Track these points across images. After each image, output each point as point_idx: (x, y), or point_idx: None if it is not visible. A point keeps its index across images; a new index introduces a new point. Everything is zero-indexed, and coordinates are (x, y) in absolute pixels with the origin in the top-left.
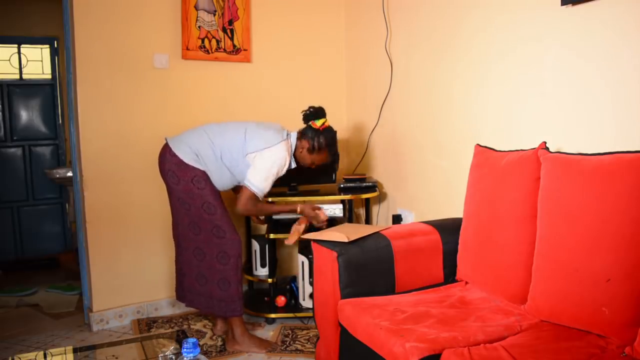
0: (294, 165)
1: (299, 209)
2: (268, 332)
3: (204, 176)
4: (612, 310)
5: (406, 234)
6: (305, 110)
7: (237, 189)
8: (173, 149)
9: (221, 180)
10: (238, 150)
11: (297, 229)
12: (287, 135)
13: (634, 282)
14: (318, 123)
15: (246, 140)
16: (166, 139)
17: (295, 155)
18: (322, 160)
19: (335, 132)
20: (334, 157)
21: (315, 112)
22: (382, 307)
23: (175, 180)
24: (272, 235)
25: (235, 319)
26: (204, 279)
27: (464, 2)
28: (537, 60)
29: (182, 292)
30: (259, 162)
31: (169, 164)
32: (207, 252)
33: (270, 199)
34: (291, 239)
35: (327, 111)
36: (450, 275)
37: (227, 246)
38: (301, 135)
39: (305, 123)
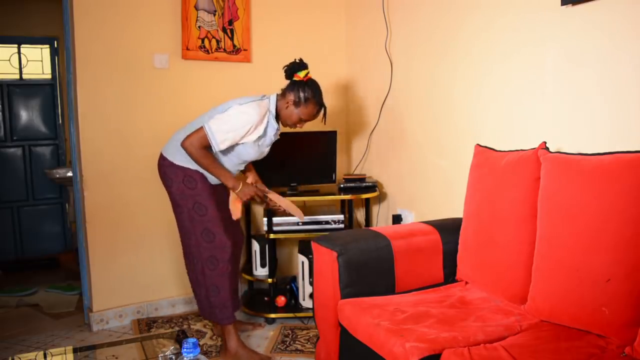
0: (276, 127)
1: (230, 182)
2: (268, 332)
3: (196, 175)
4: (612, 310)
5: (406, 234)
6: (286, 66)
7: (246, 170)
8: (164, 154)
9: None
10: (208, 119)
11: (234, 206)
12: (263, 97)
13: (634, 282)
14: (301, 74)
15: (219, 109)
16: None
17: (281, 116)
18: (309, 114)
19: (317, 83)
20: (321, 108)
21: (298, 65)
22: (382, 307)
23: (169, 183)
24: (272, 235)
25: (228, 328)
26: (198, 283)
27: (464, 2)
28: (537, 60)
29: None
30: (225, 113)
31: (163, 167)
32: (197, 257)
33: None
34: (234, 211)
35: (326, 111)
36: (450, 275)
37: (217, 250)
38: (285, 91)
39: (288, 78)
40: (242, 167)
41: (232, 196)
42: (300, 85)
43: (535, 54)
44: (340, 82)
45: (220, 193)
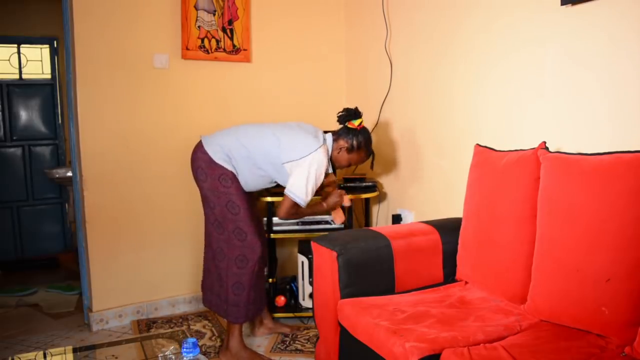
0: (330, 170)
1: (325, 206)
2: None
3: (231, 176)
4: (612, 310)
5: (406, 233)
6: (341, 112)
7: (271, 190)
8: (205, 147)
9: (252, 182)
10: (274, 157)
11: (337, 215)
12: (324, 139)
13: (634, 282)
14: (356, 123)
15: (281, 148)
16: (201, 137)
17: (331, 157)
18: (359, 159)
19: (369, 132)
20: (370, 155)
21: (353, 113)
22: (382, 307)
23: (203, 177)
24: (272, 235)
25: (235, 327)
26: (221, 280)
27: (464, 2)
28: (537, 60)
29: (204, 288)
30: (298, 170)
31: (200, 161)
32: (227, 254)
33: (269, 199)
34: (337, 219)
35: (326, 111)
36: (450, 275)
37: (247, 250)
38: (338, 136)
39: (341, 124)
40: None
41: (335, 214)
42: (354, 133)
43: (535, 53)
44: (340, 81)
45: (252, 195)
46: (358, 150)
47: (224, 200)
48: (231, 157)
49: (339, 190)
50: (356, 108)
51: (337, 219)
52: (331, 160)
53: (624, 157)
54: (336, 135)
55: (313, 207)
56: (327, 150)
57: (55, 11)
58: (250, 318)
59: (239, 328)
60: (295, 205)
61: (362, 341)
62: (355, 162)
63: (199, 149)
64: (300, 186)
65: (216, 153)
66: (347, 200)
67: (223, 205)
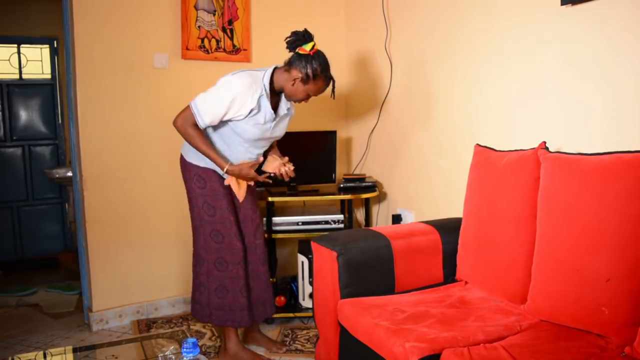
0: (287, 106)
1: (225, 169)
2: (268, 332)
3: (206, 175)
4: (612, 310)
5: (406, 233)
6: (288, 37)
7: (265, 154)
8: (181, 151)
9: (235, 153)
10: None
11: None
12: (260, 70)
13: (633, 282)
14: (307, 47)
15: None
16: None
17: (286, 92)
18: (318, 89)
19: (325, 55)
20: (330, 81)
21: (302, 36)
22: (382, 307)
23: (184, 180)
24: (272, 235)
25: (229, 330)
26: (202, 286)
27: (464, 2)
28: (537, 59)
29: (192, 299)
30: (213, 86)
31: (180, 165)
32: (204, 258)
33: (270, 199)
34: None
35: (326, 111)
36: (450, 275)
37: (225, 252)
38: (289, 66)
39: (291, 50)
40: (257, 151)
41: (230, 178)
42: (307, 60)
43: (535, 53)
44: (340, 81)
45: (248, 196)
46: (314, 79)
47: (200, 201)
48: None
49: (250, 169)
50: (305, 30)
51: (236, 192)
52: (285, 95)
53: (623, 157)
54: (287, 65)
55: (210, 149)
56: (259, 76)
57: (55, 11)
58: (239, 323)
59: (233, 330)
60: (189, 115)
61: (362, 341)
62: (314, 92)
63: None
64: (203, 98)
65: (188, 152)
66: (251, 172)
67: (200, 206)
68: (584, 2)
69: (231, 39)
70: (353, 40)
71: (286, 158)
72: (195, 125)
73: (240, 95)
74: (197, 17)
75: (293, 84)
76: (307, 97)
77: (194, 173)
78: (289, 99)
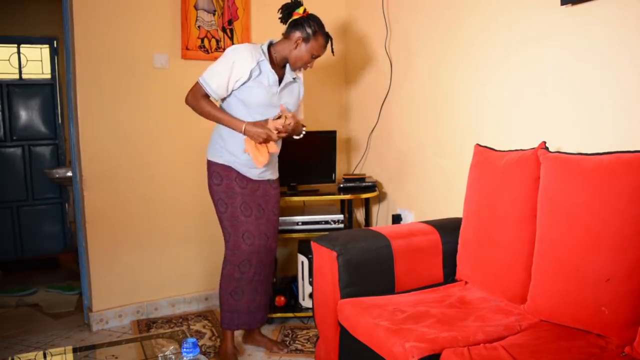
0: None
1: (243, 129)
2: (268, 333)
3: (222, 172)
4: (612, 310)
5: (406, 233)
6: (281, 9)
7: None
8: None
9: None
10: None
11: (254, 151)
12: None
13: (634, 282)
14: (300, 11)
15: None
16: None
17: (290, 59)
18: (320, 47)
19: (316, 15)
20: (328, 39)
21: (292, 4)
22: (382, 307)
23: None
24: None
25: (225, 332)
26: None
27: (464, 1)
28: (537, 60)
29: None
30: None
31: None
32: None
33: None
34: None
35: (326, 111)
36: (450, 275)
37: (229, 251)
38: (289, 33)
39: (286, 21)
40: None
41: (248, 143)
42: (303, 21)
43: (535, 53)
44: (340, 81)
45: (258, 196)
46: (314, 35)
47: (215, 198)
48: (213, 140)
49: (287, 118)
50: None
51: (256, 157)
52: (290, 62)
53: (624, 157)
54: (285, 34)
55: (224, 114)
56: (256, 46)
57: (55, 11)
58: (229, 326)
59: (229, 333)
60: (197, 88)
61: (362, 341)
62: (317, 50)
63: None
64: (210, 69)
65: (208, 149)
66: (272, 144)
67: (215, 202)
68: (584, 2)
69: (231, 39)
70: (353, 40)
71: (291, 113)
72: (206, 96)
73: (240, 58)
74: (197, 17)
75: (296, 47)
76: (311, 59)
77: (212, 170)
78: (294, 66)
